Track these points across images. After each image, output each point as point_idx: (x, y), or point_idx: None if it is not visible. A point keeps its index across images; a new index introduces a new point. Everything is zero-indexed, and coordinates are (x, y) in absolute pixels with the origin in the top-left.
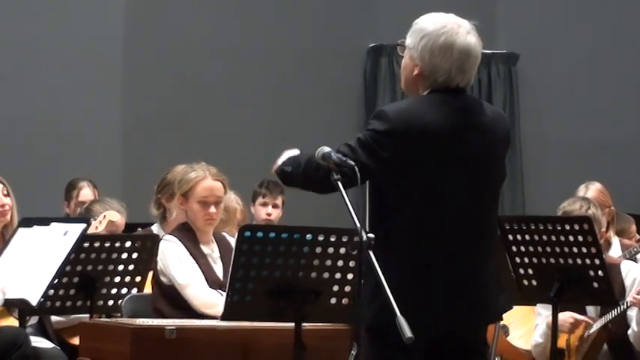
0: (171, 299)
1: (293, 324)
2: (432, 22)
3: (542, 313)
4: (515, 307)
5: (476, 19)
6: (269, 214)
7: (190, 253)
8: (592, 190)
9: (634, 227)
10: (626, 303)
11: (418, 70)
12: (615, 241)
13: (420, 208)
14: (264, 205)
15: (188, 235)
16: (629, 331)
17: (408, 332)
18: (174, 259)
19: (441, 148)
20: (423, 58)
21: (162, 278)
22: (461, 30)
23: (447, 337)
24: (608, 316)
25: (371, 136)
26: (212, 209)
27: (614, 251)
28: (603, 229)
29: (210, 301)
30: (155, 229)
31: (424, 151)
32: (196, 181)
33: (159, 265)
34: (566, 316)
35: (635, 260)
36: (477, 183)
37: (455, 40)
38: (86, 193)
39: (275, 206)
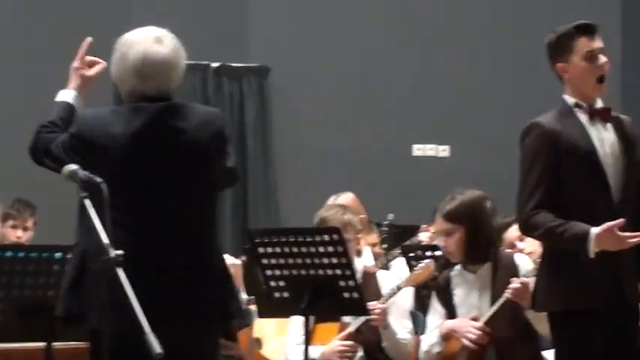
0: None
1: (44, 343)
2: (121, 38)
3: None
4: (268, 320)
5: (227, 33)
6: (19, 237)
7: None
8: (343, 199)
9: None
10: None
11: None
12: (367, 250)
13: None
14: (14, 227)
15: None
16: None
17: (158, 348)
18: None
19: (120, 155)
20: (112, 71)
21: None
22: (143, 39)
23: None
24: (360, 320)
25: (66, 138)
26: None
27: (366, 260)
28: (360, 235)
29: None
30: None
31: (103, 158)
32: None
33: None
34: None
35: (387, 269)
36: (170, 186)
37: (129, 48)
38: None
39: (25, 229)
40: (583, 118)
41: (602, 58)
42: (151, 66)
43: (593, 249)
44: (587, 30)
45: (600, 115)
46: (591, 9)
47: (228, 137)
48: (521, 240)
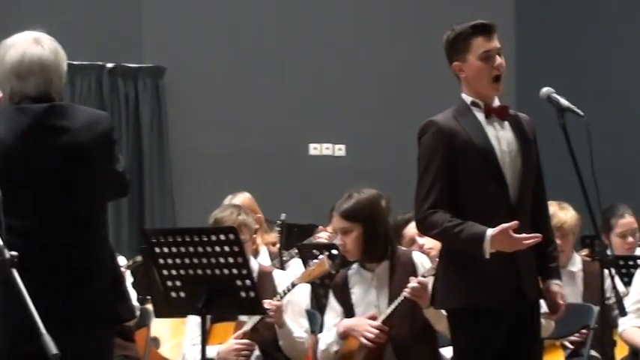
0: None
1: None
2: (1, 43)
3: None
4: (164, 320)
5: (122, 33)
6: None
7: None
8: (239, 199)
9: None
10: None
11: None
12: (263, 250)
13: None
14: None
15: None
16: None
17: (54, 349)
18: None
19: (5, 157)
20: None
21: None
22: (21, 41)
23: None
24: (255, 318)
25: None
26: None
27: (263, 259)
28: (256, 236)
29: None
30: None
31: None
32: None
33: None
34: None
35: (283, 268)
36: (55, 187)
37: (8, 50)
38: None
39: None
40: (480, 116)
41: (498, 59)
42: (27, 66)
43: (488, 250)
44: (485, 30)
45: (497, 114)
46: (485, 8)
47: (115, 140)
48: (421, 236)
